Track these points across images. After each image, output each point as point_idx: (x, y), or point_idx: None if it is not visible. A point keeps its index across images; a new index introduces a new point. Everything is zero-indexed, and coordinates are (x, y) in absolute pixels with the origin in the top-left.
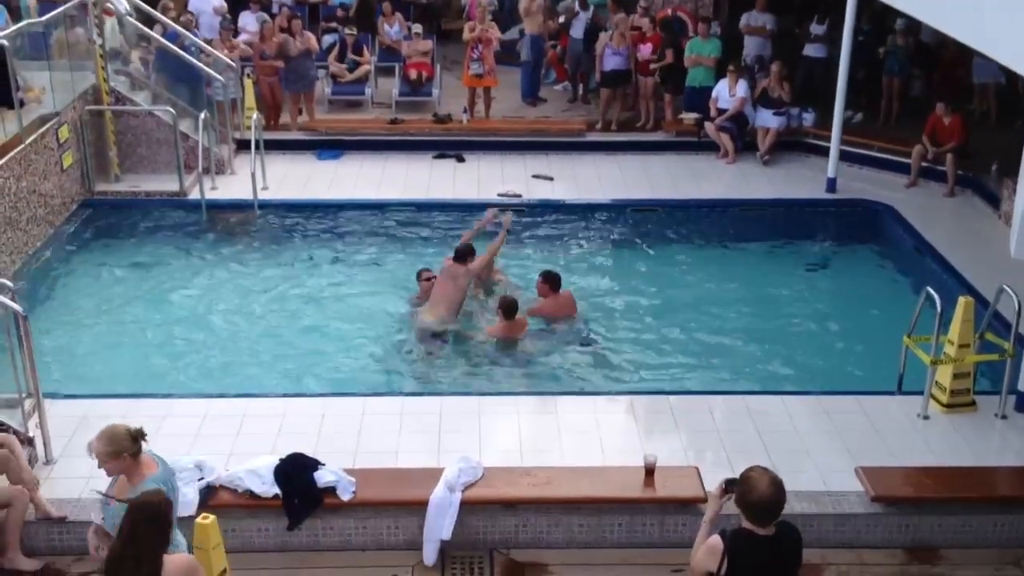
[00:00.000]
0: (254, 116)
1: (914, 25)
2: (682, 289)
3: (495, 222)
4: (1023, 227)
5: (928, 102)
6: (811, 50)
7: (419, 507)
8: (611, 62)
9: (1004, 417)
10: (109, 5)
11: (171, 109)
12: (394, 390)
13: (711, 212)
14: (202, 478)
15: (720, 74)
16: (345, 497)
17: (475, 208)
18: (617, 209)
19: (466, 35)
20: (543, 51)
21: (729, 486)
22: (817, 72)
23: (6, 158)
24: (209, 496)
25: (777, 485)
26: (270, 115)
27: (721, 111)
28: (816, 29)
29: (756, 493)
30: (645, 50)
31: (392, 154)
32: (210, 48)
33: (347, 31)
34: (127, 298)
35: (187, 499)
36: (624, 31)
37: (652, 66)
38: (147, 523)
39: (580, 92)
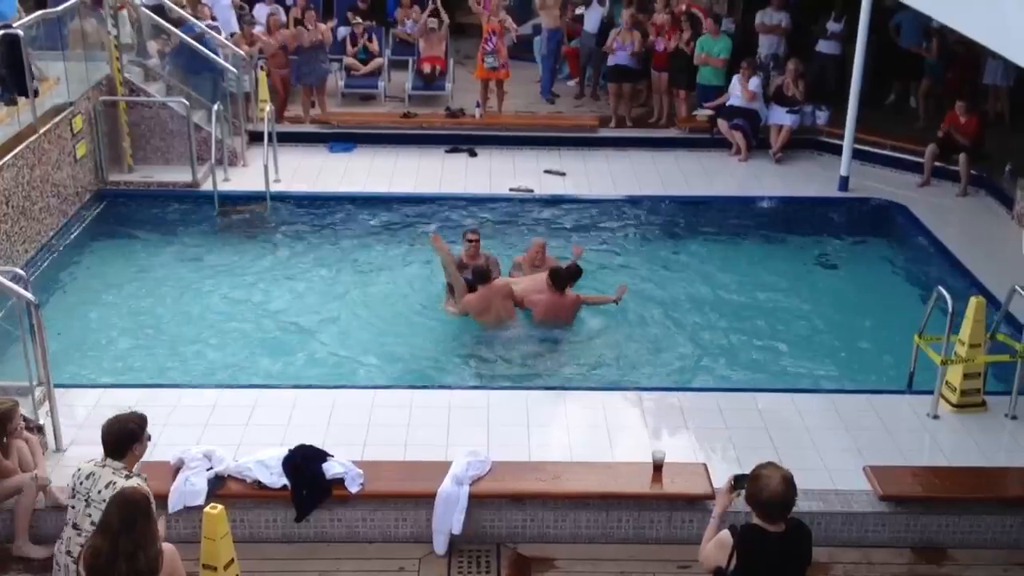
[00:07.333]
0: (267, 108)
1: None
2: (692, 286)
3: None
4: None
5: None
6: (825, 47)
7: (427, 500)
8: (617, 57)
9: (1014, 418)
10: None
11: (185, 101)
12: (403, 382)
13: (722, 209)
14: (211, 468)
15: (730, 73)
16: (353, 489)
17: (487, 202)
18: (628, 205)
19: (484, 22)
20: (560, 45)
21: (737, 482)
22: (829, 69)
23: (20, 147)
24: (218, 486)
25: (788, 482)
26: (279, 107)
27: (733, 108)
28: (833, 27)
29: (768, 491)
30: (660, 44)
31: (404, 148)
32: (223, 40)
33: (355, 21)
34: (138, 288)
35: (196, 489)
36: (631, 26)
37: (671, 46)
38: (142, 517)
39: (590, 88)
